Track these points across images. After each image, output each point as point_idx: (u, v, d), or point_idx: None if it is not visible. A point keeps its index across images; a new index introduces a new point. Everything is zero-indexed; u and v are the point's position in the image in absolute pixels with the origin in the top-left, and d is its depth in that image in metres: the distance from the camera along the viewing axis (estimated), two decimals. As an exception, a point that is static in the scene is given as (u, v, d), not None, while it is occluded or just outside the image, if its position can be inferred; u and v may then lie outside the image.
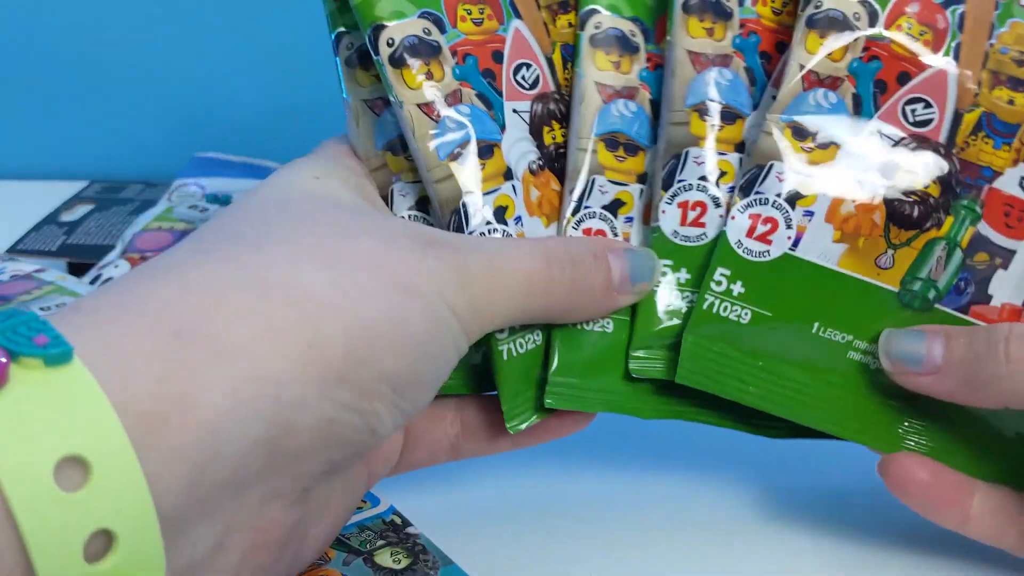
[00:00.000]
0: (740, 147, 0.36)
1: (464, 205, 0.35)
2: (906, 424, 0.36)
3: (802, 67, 0.35)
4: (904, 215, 0.35)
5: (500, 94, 0.36)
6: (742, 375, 0.35)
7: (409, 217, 0.36)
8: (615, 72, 0.37)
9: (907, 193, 0.35)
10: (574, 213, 0.36)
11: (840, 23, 0.35)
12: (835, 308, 0.35)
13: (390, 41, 0.35)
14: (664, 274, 0.36)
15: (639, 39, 0.38)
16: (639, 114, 0.37)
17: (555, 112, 0.37)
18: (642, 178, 0.37)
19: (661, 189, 0.36)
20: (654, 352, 0.36)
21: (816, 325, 0.35)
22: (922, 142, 0.35)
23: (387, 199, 0.36)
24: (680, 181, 0.36)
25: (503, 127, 0.36)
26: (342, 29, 0.36)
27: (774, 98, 0.35)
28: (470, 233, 0.35)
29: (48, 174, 0.75)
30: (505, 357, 0.35)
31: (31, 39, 0.75)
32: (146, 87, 0.75)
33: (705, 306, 0.35)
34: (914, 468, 0.34)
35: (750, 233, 0.35)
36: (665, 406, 0.36)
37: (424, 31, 0.35)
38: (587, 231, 0.36)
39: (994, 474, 0.35)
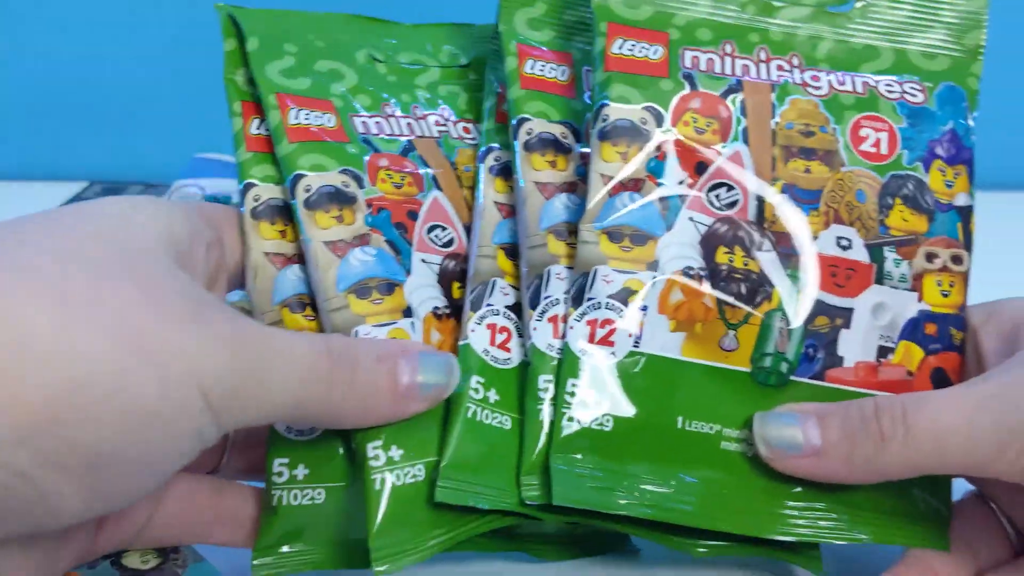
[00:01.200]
0: None
1: (356, 334, 0.35)
2: (791, 505, 0.34)
3: (603, 176, 0.36)
4: (733, 293, 0.36)
5: (410, 244, 0.38)
6: (617, 487, 0.33)
7: None
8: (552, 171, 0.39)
9: (730, 272, 0.36)
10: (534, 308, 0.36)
11: (629, 130, 0.37)
12: (694, 399, 0.35)
13: (307, 187, 0.37)
14: (546, 390, 0.35)
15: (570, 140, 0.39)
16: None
17: (467, 272, 0.38)
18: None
19: (530, 308, 0.36)
20: (544, 475, 0.34)
21: (680, 420, 0.34)
22: (732, 223, 0.36)
23: None
24: (546, 298, 0.36)
25: (409, 271, 0.37)
26: (252, 180, 0.38)
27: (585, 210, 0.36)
28: None
29: (48, 175, 0.74)
30: (378, 487, 0.33)
31: (32, 40, 0.74)
32: (146, 88, 0.75)
33: (564, 421, 0.34)
34: None
35: (591, 339, 0.35)
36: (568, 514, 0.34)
37: (343, 184, 0.38)
38: (491, 326, 0.36)
39: (897, 537, 0.34)
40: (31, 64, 0.77)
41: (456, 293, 0.38)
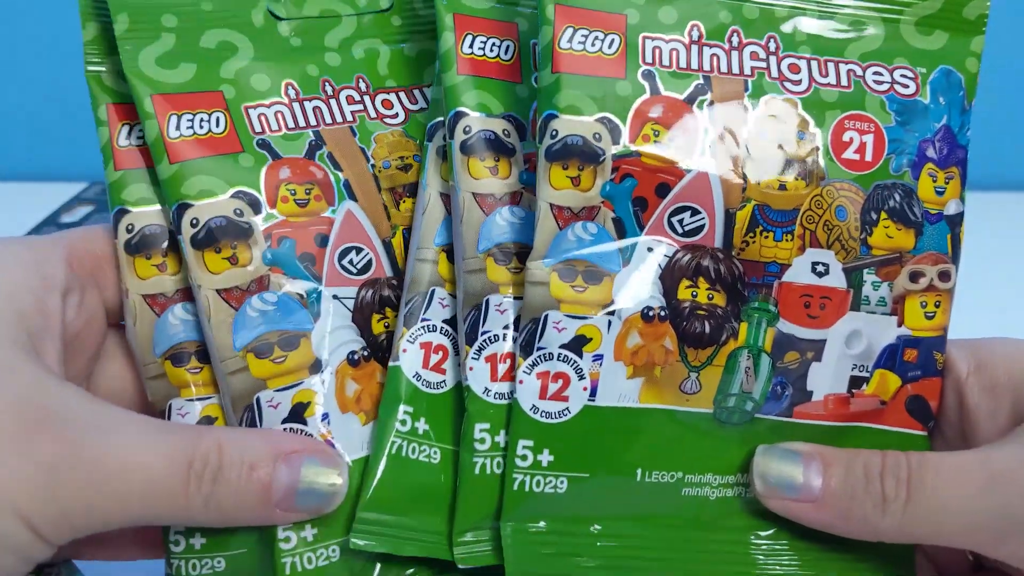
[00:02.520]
0: None
1: (257, 401, 0.32)
2: (758, 547, 0.33)
3: (552, 205, 0.32)
4: (695, 333, 0.33)
5: (319, 279, 0.34)
6: (577, 549, 0.32)
7: None
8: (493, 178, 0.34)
9: (692, 310, 0.33)
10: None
11: (581, 149, 0.32)
12: (654, 448, 0.33)
13: (194, 221, 0.33)
14: (482, 440, 0.32)
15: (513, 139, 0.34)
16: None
17: (388, 299, 0.35)
18: None
19: (466, 344, 0.33)
20: (481, 534, 0.32)
21: (639, 472, 0.33)
22: (696, 251, 0.33)
23: (164, 414, 0.33)
24: (484, 333, 0.33)
25: (317, 315, 0.33)
26: (123, 206, 0.34)
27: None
28: None
29: (48, 175, 0.74)
30: (288, 572, 0.31)
31: (31, 38, 0.73)
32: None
33: (516, 486, 0.32)
34: None
35: (543, 394, 0.32)
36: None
37: (235, 212, 0.33)
38: (426, 344, 0.33)
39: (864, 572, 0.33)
40: (31, 64, 0.74)
41: (376, 328, 0.34)
